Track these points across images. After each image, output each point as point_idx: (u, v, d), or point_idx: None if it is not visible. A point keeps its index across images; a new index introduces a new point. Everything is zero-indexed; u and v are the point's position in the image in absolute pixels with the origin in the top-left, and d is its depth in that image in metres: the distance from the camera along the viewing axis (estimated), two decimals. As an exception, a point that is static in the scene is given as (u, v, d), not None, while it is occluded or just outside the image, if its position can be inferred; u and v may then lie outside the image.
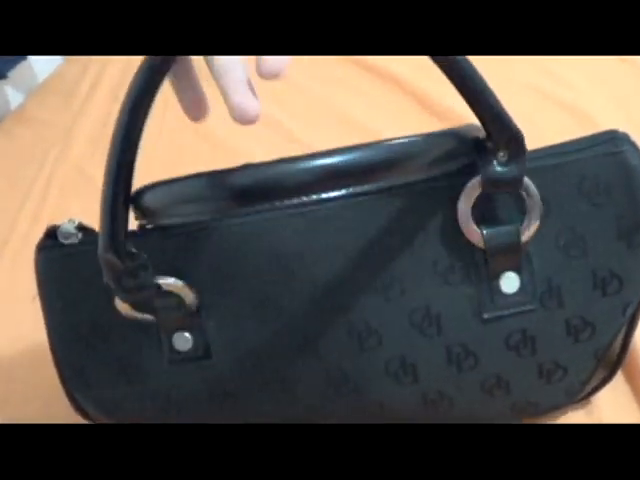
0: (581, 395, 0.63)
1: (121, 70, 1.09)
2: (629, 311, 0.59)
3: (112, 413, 0.62)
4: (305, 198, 0.57)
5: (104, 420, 0.64)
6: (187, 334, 0.58)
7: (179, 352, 0.59)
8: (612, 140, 0.57)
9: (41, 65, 1.17)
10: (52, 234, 0.59)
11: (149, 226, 0.59)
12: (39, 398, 0.74)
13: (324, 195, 0.57)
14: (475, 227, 0.56)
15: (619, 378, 0.65)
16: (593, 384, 0.63)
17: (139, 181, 0.56)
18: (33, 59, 1.15)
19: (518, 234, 0.56)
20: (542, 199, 0.56)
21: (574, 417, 0.64)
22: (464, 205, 0.56)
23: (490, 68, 0.78)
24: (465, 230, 0.56)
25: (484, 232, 0.56)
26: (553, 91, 0.93)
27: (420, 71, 0.76)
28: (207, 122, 0.59)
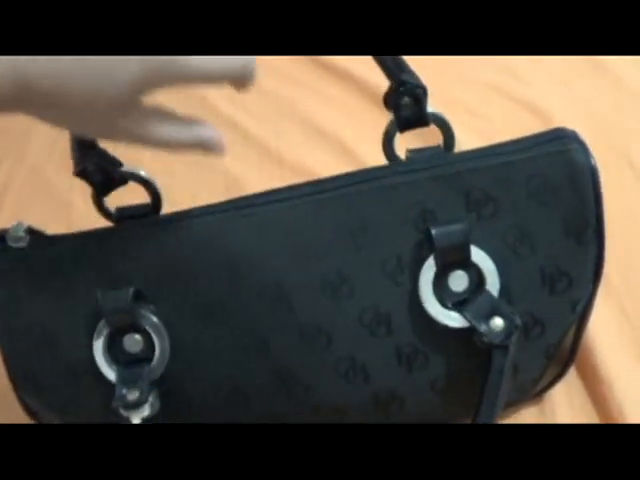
0: (533, 392, 0.63)
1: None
2: (579, 308, 0.59)
3: (63, 415, 0.62)
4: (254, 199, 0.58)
5: (54, 421, 0.63)
6: (137, 336, 0.58)
7: (129, 354, 0.59)
8: (560, 138, 0.57)
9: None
10: (1, 238, 0.59)
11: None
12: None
13: (272, 196, 0.58)
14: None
15: (572, 374, 0.65)
16: (545, 381, 0.63)
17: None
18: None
19: (466, 233, 0.56)
20: (490, 197, 0.56)
21: (527, 414, 0.64)
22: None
23: (450, 66, 0.78)
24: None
25: (433, 231, 0.55)
26: (513, 89, 0.93)
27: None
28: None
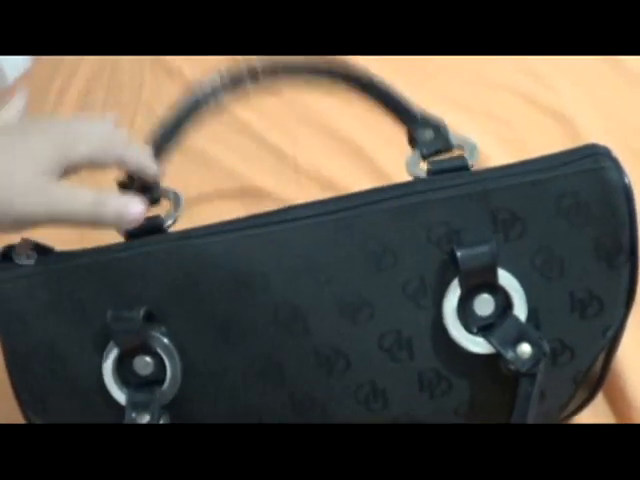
0: (560, 418, 0.61)
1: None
2: (609, 333, 0.56)
3: None
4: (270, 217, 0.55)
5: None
6: (148, 358, 0.56)
7: (140, 376, 0.56)
8: (593, 156, 0.54)
9: (10, 65, 1.14)
10: (7, 254, 0.57)
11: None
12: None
13: (289, 214, 0.55)
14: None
15: (600, 399, 0.63)
16: (573, 407, 0.60)
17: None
18: (2, 59, 1.12)
19: (493, 255, 0.53)
20: (518, 217, 0.54)
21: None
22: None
23: (470, 68, 0.75)
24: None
25: (458, 253, 0.53)
26: (533, 92, 0.90)
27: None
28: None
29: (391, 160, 0.83)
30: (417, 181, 0.56)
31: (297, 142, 0.90)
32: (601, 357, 0.58)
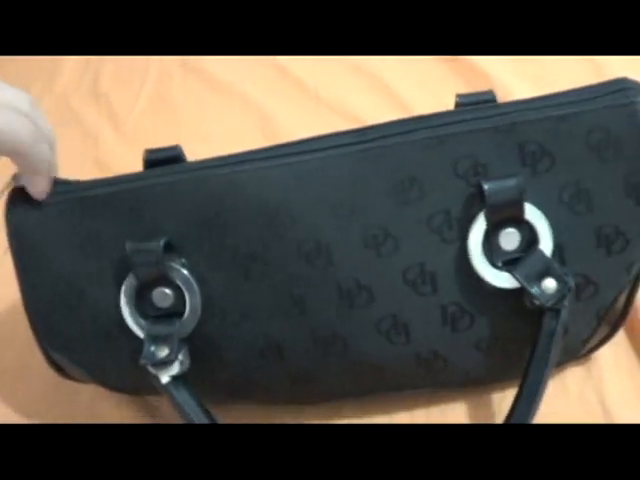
0: (581, 353, 0.61)
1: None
2: (634, 270, 0.55)
3: (91, 372, 0.59)
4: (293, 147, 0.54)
5: (82, 377, 0.61)
6: (167, 290, 0.55)
7: (159, 308, 0.56)
8: (623, 90, 0.53)
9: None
10: (23, 189, 0.56)
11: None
12: (13, 348, 0.71)
13: (313, 145, 0.54)
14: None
15: (620, 335, 0.62)
16: (594, 342, 0.60)
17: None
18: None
19: (520, 189, 0.52)
20: (546, 151, 0.53)
21: (573, 377, 0.62)
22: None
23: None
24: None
25: (485, 186, 0.52)
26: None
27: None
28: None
29: (416, 93, 0.81)
30: (444, 113, 0.55)
31: (318, 73, 0.89)
32: (624, 293, 0.57)
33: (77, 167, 0.61)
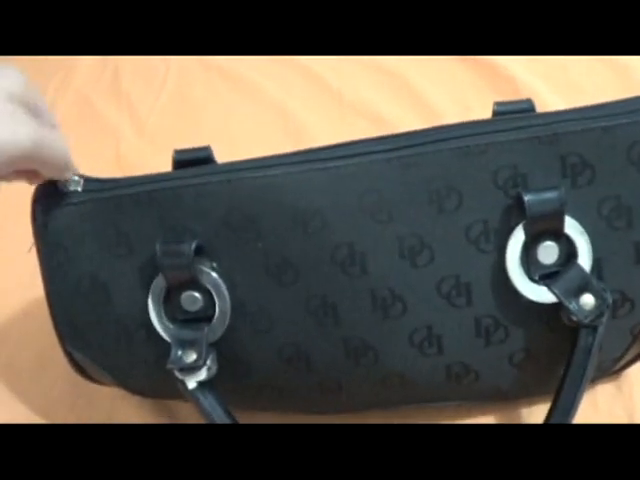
0: (613, 370, 0.60)
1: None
2: (670, 286, 0.55)
3: (114, 374, 0.58)
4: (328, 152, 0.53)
5: (103, 379, 0.60)
6: (196, 294, 0.54)
7: (187, 312, 0.55)
8: None
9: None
10: (52, 181, 0.55)
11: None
12: (32, 348, 0.70)
13: (349, 150, 0.53)
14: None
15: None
16: (627, 359, 0.59)
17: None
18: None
19: (561, 201, 0.51)
20: (588, 163, 0.52)
21: (604, 392, 0.61)
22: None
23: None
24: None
25: (525, 197, 0.51)
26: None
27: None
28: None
29: (441, 97, 0.80)
30: (483, 121, 0.54)
31: (342, 74, 0.88)
32: (660, 310, 0.57)
33: (97, 164, 0.60)
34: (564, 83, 0.80)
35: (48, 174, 0.53)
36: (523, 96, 0.56)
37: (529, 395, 0.59)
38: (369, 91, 0.86)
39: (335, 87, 0.88)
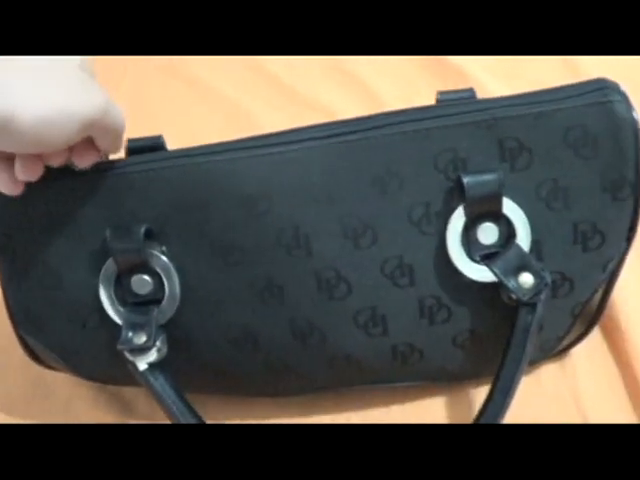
0: (556, 350, 0.61)
1: None
2: (610, 267, 0.56)
3: (66, 358, 0.59)
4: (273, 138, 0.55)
5: (56, 364, 0.61)
6: (146, 277, 0.55)
7: (137, 295, 0.56)
8: (601, 89, 0.54)
9: None
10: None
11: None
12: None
13: (294, 136, 0.54)
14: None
15: (595, 333, 0.63)
16: (569, 340, 0.61)
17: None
18: None
19: (499, 183, 0.53)
20: (525, 147, 0.53)
21: (547, 372, 0.62)
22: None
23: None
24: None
25: (464, 180, 0.52)
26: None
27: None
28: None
29: (393, 91, 0.82)
30: (425, 107, 0.55)
31: (294, 70, 0.89)
32: (600, 291, 0.58)
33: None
34: (518, 81, 0.82)
35: (105, 143, 0.53)
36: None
37: (475, 376, 0.61)
38: (323, 89, 0.88)
39: (288, 84, 0.89)
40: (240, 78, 0.91)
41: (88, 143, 0.52)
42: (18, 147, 0.48)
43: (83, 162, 0.54)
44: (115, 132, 0.52)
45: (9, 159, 0.51)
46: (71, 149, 0.52)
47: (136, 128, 0.58)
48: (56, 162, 0.52)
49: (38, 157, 0.51)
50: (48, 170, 0.55)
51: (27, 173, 0.51)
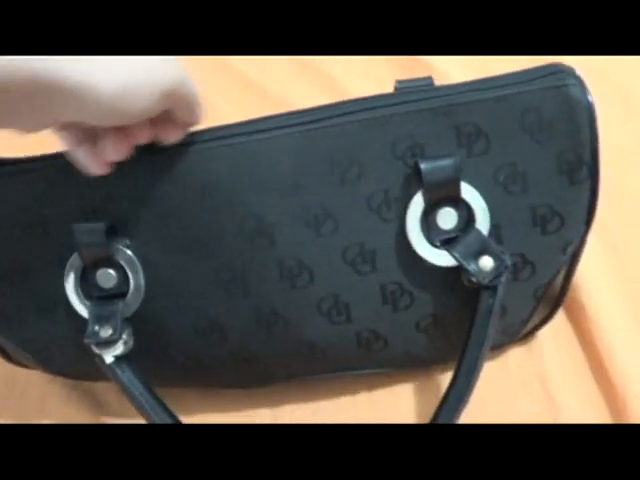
0: (521, 334, 0.62)
1: None
2: (570, 249, 0.57)
3: (35, 355, 0.60)
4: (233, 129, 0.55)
5: (27, 362, 0.61)
6: (111, 271, 0.56)
7: (103, 289, 0.56)
8: (557, 73, 0.54)
9: None
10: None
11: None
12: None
13: (255, 126, 0.55)
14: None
15: (561, 314, 0.64)
16: (533, 323, 0.61)
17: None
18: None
19: (457, 168, 0.53)
20: (482, 132, 0.54)
21: (513, 355, 0.63)
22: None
23: None
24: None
25: (422, 166, 0.53)
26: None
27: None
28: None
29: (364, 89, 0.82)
30: (383, 95, 0.56)
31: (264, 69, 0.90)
32: (562, 273, 0.59)
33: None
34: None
35: (184, 115, 0.52)
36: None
37: (440, 361, 0.61)
38: (293, 87, 0.88)
39: (258, 83, 0.89)
40: (207, 75, 0.91)
41: (169, 118, 0.52)
42: (98, 118, 0.47)
43: (169, 137, 0.53)
44: (192, 103, 0.52)
45: (93, 139, 0.51)
46: (154, 124, 0.52)
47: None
48: (141, 138, 0.52)
49: (124, 135, 0.51)
50: (12, 164, 0.55)
51: (114, 152, 0.51)
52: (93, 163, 0.52)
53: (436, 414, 0.56)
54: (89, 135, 0.51)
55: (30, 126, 0.47)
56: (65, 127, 0.51)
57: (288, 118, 0.55)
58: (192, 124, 0.54)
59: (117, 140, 0.51)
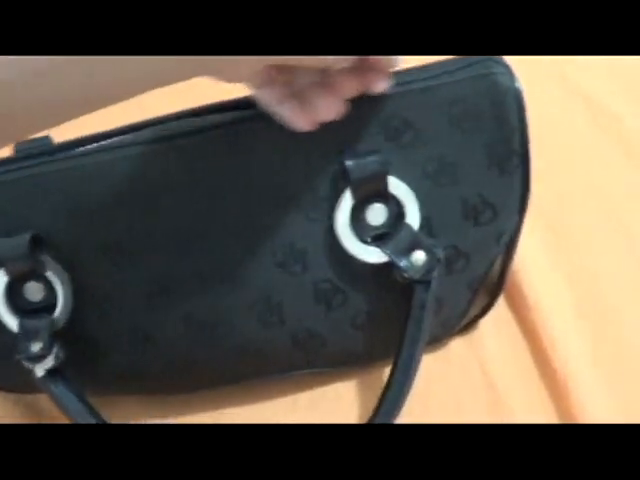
0: (460, 326, 0.61)
1: None
2: (504, 239, 0.56)
3: None
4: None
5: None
6: (38, 283, 0.54)
7: (31, 302, 0.55)
8: (484, 62, 0.53)
9: None
10: None
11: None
12: None
13: (182, 127, 0.53)
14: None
15: (501, 303, 0.63)
16: (473, 313, 0.61)
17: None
18: None
19: (383, 163, 0.52)
20: (409, 125, 0.53)
21: (455, 347, 0.62)
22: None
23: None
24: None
25: (347, 163, 0.52)
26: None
27: None
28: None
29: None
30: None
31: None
32: (497, 264, 0.58)
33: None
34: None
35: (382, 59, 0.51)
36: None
37: (379, 358, 0.60)
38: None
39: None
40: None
41: (371, 66, 0.51)
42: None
43: (375, 86, 0.52)
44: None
45: (298, 97, 0.51)
46: (358, 75, 0.51)
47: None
48: (349, 90, 0.51)
49: (332, 90, 0.50)
50: None
51: (326, 109, 0.51)
52: (300, 120, 0.51)
53: (374, 413, 0.55)
54: (294, 92, 0.50)
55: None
56: (266, 84, 0.50)
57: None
58: (393, 67, 0.52)
59: (327, 96, 0.50)
